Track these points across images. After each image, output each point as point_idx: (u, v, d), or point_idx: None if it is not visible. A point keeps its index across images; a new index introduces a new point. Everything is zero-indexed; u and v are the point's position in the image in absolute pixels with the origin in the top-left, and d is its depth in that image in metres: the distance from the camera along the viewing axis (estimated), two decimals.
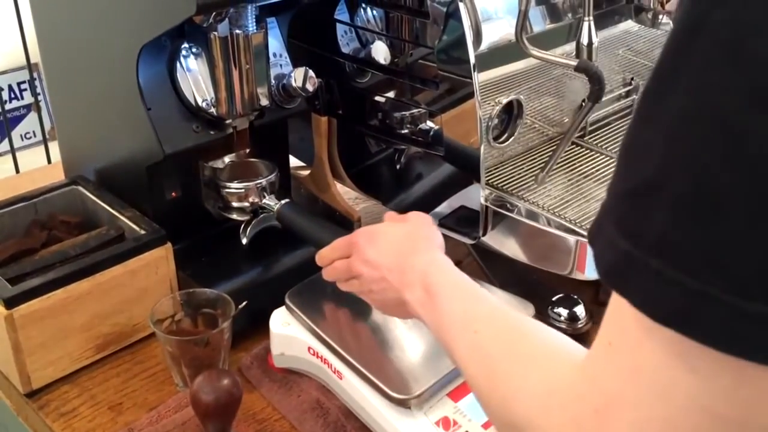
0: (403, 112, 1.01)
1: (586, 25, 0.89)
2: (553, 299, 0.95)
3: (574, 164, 1.00)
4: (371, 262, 0.76)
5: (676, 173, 0.36)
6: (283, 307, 0.91)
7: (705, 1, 0.36)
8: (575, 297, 0.95)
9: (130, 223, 0.97)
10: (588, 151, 1.03)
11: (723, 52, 0.35)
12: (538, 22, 0.96)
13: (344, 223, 1.08)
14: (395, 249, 0.75)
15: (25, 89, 2.57)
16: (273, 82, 0.99)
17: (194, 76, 0.94)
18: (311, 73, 0.98)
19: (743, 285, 0.35)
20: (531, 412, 0.48)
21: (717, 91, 0.35)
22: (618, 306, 0.40)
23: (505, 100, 0.91)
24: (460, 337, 0.60)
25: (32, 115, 2.56)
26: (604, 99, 0.88)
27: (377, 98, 1.04)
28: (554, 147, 0.97)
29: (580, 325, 0.94)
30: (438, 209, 1.00)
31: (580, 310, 0.94)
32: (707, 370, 0.37)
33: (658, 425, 0.39)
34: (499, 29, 0.91)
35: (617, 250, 0.39)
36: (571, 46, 0.93)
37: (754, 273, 0.35)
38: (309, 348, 0.87)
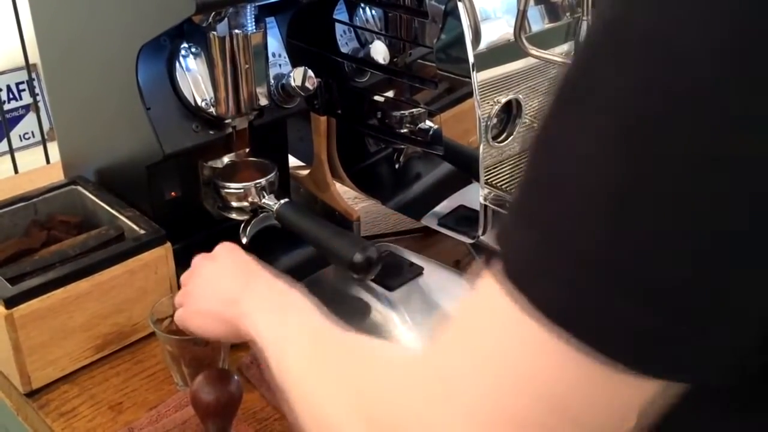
0: (402, 112, 1.01)
1: (584, 24, 0.89)
2: None
3: None
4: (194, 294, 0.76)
5: (586, 172, 0.36)
6: None
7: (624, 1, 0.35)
8: None
9: (130, 223, 0.97)
10: None
11: (637, 52, 0.34)
12: (537, 22, 0.96)
13: (343, 223, 1.08)
14: (216, 292, 0.74)
15: (24, 90, 2.57)
16: (272, 81, 0.99)
17: (193, 76, 0.94)
18: (310, 72, 0.98)
19: (638, 293, 0.34)
20: (354, 401, 0.46)
21: (632, 90, 0.34)
22: (486, 293, 0.39)
23: (504, 100, 0.92)
24: (285, 383, 0.57)
25: (31, 116, 2.56)
26: None
27: (376, 98, 1.04)
28: None
29: None
30: (437, 208, 1.00)
31: None
32: (575, 369, 0.36)
33: (498, 406, 0.38)
34: (497, 29, 0.91)
35: (522, 248, 0.38)
36: (569, 46, 0.93)
37: (648, 282, 0.34)
38: None
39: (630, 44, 0.35)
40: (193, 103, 0.94)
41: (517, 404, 0.38)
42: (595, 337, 0.36)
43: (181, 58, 0.94)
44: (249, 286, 0.71)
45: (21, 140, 2.54)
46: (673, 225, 0.34)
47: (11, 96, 2.56)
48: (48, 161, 1.94)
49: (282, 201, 0.98)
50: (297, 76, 0.98)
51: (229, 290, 0.72)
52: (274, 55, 1.02)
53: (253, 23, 0.92)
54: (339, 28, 1.05)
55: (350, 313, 0.89)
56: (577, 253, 0.36)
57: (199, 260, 0.80)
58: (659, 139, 0.34)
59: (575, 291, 0.36)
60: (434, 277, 0.94)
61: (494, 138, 0.94)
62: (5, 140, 2.15)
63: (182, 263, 0.97)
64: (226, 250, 0.79)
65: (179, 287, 0.95)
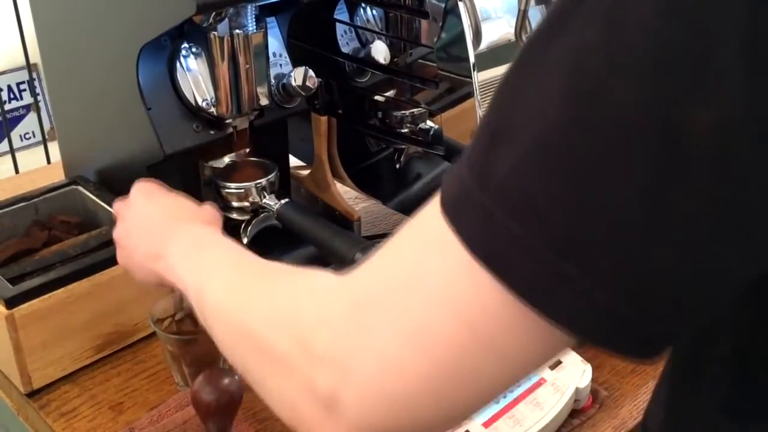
0: (403, 112, 1.01)
1: None
2: None
3: None
4: (127, 247, 0.75)
5: (530, 123, 0.37)
6: None
7: None
8: None
9: None
10: None
11: (598, 14, 0.35)
12: (538, 21, 0.96)
13: (344, 223, 1.08)
14: (170, 213, 0.74)
15: (25, 89, 2.57)
16: (273, 81, 0.99)
17: (194, 76, 0.94)
18: (311, 72, 0.98)
19: (559, 242, 0.36)
20: (275, 311, 0.46)
21: (584, 51, 0.35)
22: (426, 216, 0.40)
23: None
24: (216, 277, 0.58)
25: (32, 116, 2.56)
26: None
27: (377, 98, 1.04)
28: None
29: None
30: None
31: None
32: (490, 294, 0.37)
33: (414, 326, 0.39)
34: (498, 28, 0.91)
35: (462, 183, 0.39)
36: None
37: (569, 232, 0.35)
38: None
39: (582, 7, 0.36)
40: (193, 103, 0.94)
41: (439, 323, 0.38)
42: (505, 271, 0.37)
43: (181, 58, 0.94)
44: (171, 238, 0.69)
45: (22, 140, 2.55)
46: (594, 181, 0.35)
47: (12, 96, 2.56)
48: (49, 161, 1.94)
49: (282, 201, 0.98)
50: (298, 76, 0.98)
51: (153, 245, 0.71)
52: (274, 55, 1.02)
53: (254, 23, 0.92)
54: (340, 28, 1.05)
55: None
56: (498, 189, 0.37)
57: (123, 206, 0.78)
58: (597, 101, 0.35)
59: (492, 224, 0.37)
60: None
61: None
62: (6, 140, 2.15)
63: None
64: (142, 194, 0.77)
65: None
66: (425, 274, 0.39)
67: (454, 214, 0.39)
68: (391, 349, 0.38)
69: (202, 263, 0.62)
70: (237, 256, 0.61)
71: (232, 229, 1.02)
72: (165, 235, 0.70)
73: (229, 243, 0.65)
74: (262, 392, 0.47)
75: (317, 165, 1.11)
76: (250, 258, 0.59)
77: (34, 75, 2.30)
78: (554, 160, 0.36)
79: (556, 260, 0.36)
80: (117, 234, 0.78)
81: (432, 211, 0.40)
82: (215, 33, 0.91)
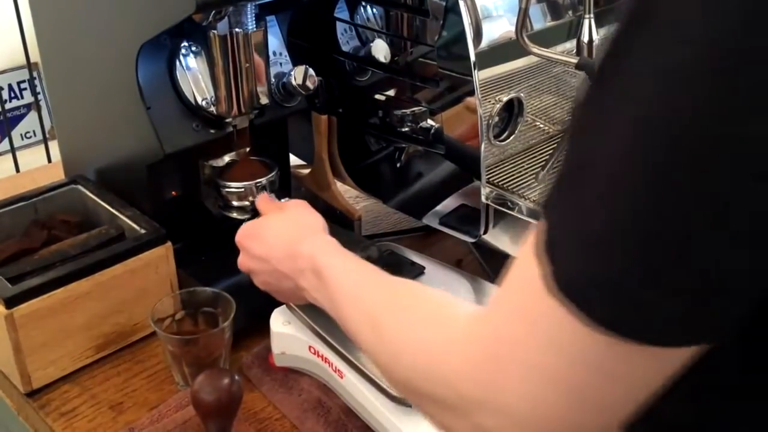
0: (404, 110, 1.01)
1: (586, 22, 0.89)
2: None
3: None
4: (260, 256, 0.79)
5: (604, 154, 0.38)
6: (284, 306, 0.91)
7: None
8: None
9: (130, 222, 0.97)
10: None
11: (660, 37, 0.36)
12: (539, 20, 0.95)
13: (345, 222, 1.08)
14: (282, 239, 0.77)
15: (25, 89, 2.56)
16: (273, 80, 0.99)
17: (194, 75, 0.94)
18: (311, 71, 0.98)
19: (640, 271, 0.38)
20: (425, 361, 0.49)
21: (646, 77, 0.37)
22: (526, 260, 0.42)
23: (505, 98, 0.91)
24: (351, 308, 0.63)
25: (32, 115, 2.56)
26: None
27: (377, 96, 1.04)
28: (555, 145, 0.97)
29: None
30: (439, 207, 1.00)
31: None
32: (596, 340, 0.40)
33: (547, 372, 0.41)
34: (499, 27, 0.91)
35: (552, 221, 0.41)
36: (571, 44, 0.93)
37: (649, 260, 0.37)
38: (310, 347, 0.87)
39: (650, 31, 0.37)
40: (193, 102, 0.94)
41: (566, 367, 0.41)
42: (588, 308, 0.39)
43: (181, 57, 0.93)
44: (308, 238, 0.75)
45: (22, 139, 2.54)
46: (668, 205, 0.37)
47: (12, 95, 2.56)
48: (49, 160, 1.93)
49: (283, 200, 0.98)
50: (298, 75, 0.97)
51: (291, 242, 0.75)
52: (274, 53, 1.02)
53: (254, 22, 0.92)
54: (340, 27, 1.05)
55: None
56: (585, 233, 0.39)
57: (245, 237, 0.82)
58: (670, 132, 0.36)
59: (575, 260, 0.40)
60: (436, 276, 0.94)
61: (496, 137, 0.94)
62: (6, 139, 2.15)
63: (183, 263, 0.97)
64: (298, 204, 0.84)
65: (180, 286, 0.95)
66: (537, 322, 0.42)
67: (547, 253, 0.41)
68: (536, 393, 0.42)
69: (357, 265, 0.68)
70: (372, 277, 0.66)
71: (232, 229, 1.01)
72: (290, 272, 0.74)
73: (351, 260, 0.70)
74: (436, 425, 0.50)
75: (317, 164, 1.11)
76: (377, 278, 0.65)
77: (35, 74, 2.30)
78: (626, 186, 0.37)
79: (635, 288, 0.38)
80: (247, 262, 0.81)
81: (533, 262, 0.42)
82: (215, 32, 0.91)
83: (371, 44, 1.03)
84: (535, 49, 0.87)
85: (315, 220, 0.80)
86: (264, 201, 0.88)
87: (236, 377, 0.77)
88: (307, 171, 1.15)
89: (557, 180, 0.42)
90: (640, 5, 0.37)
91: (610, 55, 0.39)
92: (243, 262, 0.82)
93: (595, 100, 0.40)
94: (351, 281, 0.66)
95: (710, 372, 0.46)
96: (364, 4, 1.03)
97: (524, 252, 0.43)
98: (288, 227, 0.79)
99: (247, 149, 1.03)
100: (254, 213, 1.00)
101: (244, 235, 0.82)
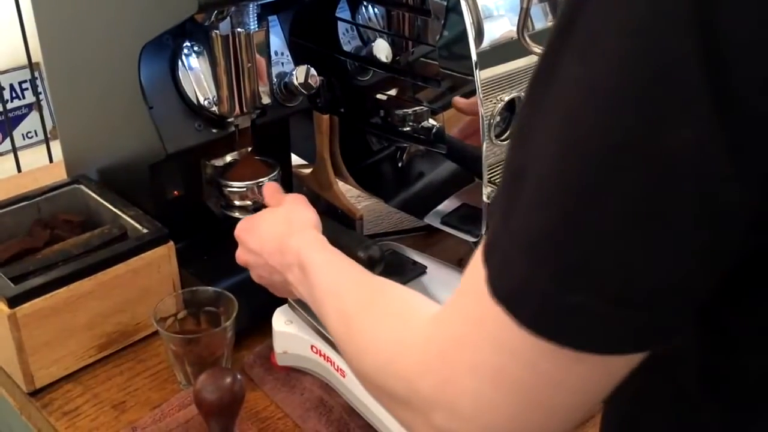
0: (405, 110, 1.01)
1: None
2: None
3: None
4: (254, 250, 0.80)
5: (535, 161, 0.39)
6: (286, 305, 0.91)
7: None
8: None
9: (133, 222, 0.97)
10: None
11: (580, 50, 0.37)
12: (540, 19, 0.95)
13: (346, 221, 1.08)
14: (273, 233, 0.79)
15: (27, 88, 2.57)
16: (275, 80, 0.99)
17: (196, 75, 0.94)
18: (313, 71, 0.98)
19: (565, 275, 0.38)
20: (386, 357, 0.51)
21: (570, 85, 0.37)
22: (476, 263, 0.43)
23: (507, 98, 0.91)
24: (327, 304, 0.64)
25: (34, 115, 2.56)
26: None
27: (379, 96, 1.04)
28: None
29: None
30: (440, 207, 1.00)
31: None
32: (529, 342, 0.40)
33: (491, 371, 0.42)
34: (500, 26, 0.91)
35: (493, 225, 0.42)
36: None
37: (574, 265, 0.38)
38: (312, 346, 0.87)
39: (572, 42, 0.38)
40: (195, 102, 0.94)
41: (509, 367, 0.42)
42: (516, 311, 0.40)
43: (183, 57, 0.93)
44: (297, 234, 0.76)
45: (24, 139, 2.54)
46: (590, 211, 0.37)
47: (14, 95, 2.56)
48: (51, 160, 1.93)
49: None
50: (299, 75, 0.97)
51: (281, 240, 0.77)
52: (276, 53, 1.02)
53: (256, 22, 0.92)
54: (341, 27, 1.05)
55: None
56: (516, 239, 0.40)
57: (243, 230, 0.84)
58: (583, 133, 0.37)
59: (508, 264, 0.40)
60: (437, 275, 0.94)
61: (497, 136, 0.94)
62: (8, 139, 2.15)
63: (185, 262, 0.97)
64: (295, 199, 0.85)
65: (182, 286, 0.95)
66: (483, 324, 0.42)
67: (485, 258, 0.42)
68: (482, 393, 0.43)
69: (339, 261, 0.70)
70: (349, 275, 0.67)
71: (233, 228, 1.01)
72: (280, 266, 0.76)
73: (333, 256, 0.72)
74: (399, 422, 0.52)
75: (319, 163, 1.11)
76: (354, 276, 0.66)
77: (36, 74, 2.30)
78: (553, 194, 0.38)
79: (559, 291, 0.38)
80: (243, 255, 0.82)
81: (481, 267, 0.43)
82: (217, 32, 0.91)
83: (373, 44, 1.03)
84: (537, 49, 0.87)
85: (308, 216, 0.81)
86: (269, 190, 0.89)
87: (238, 376, 0.78)
88: (308, 170, 1.15)
89: (499, 186, 0.43)
90: (565, 15, 0.38)
91: (542, 61, 0.40)
92: (240, 255, 0.83)
93: (529, 106, 0.41)
94: (329, 278, 0.67)
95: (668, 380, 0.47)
96: (365, 3, 1.03)
97: (476, 255, 0.44)
98: (281, 222, 0.80)
99: (249, 149, 1.03)
100: (256, 212, 1.00)
101: (241, 229, 0.84)
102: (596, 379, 0.42)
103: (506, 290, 0.41)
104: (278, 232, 0.78)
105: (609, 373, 0.42)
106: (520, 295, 0.40)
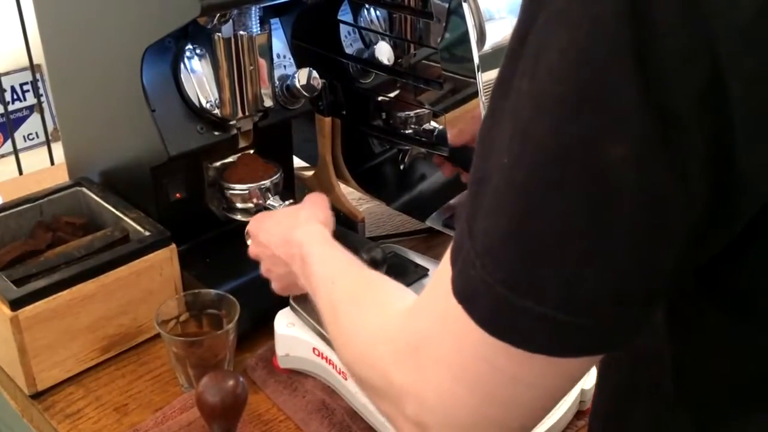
0: (407, 113, 1.01)
1: None
2: None
3: None
4: (262, 243, 0.82)
5: (493, 171, 0.41)
6: (288, 308, 0.91)
7: (531, 12, 0.39)
8: None
9: (135, 225, 0.97)
10: None
11: (529, 65, 0.38)
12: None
13: (348, 224, 1.08)
14: (280, 226, 0.81)
15: (28, 90, 2.57)
16: (277, 82, 0.99)
17: (198, 78, 0.94)
18: (315, 73, 0.98)
19: (513, 280, 0.40)
20: (364, 348, 0.53)
21: (522, 99, 0.39)
22: (446, 261, 0.45)
23: None
24: (322, 296, 0.66)
25: (35, 116, 2.56)
26: None
27: (381, 98, 1.04)
28: None
29: None
30: (442, 210, 1.00)
31: None
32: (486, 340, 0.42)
33: (453, 365, 0.44)
34: (502, 29, 0.91)
35: (459, 228, 0.44)
36: None
37: (521, 270, 0.39)
38: (314, 349, 0.87)
39: (525, 54, 0.39)
40: (197, 105, 0.94)
41: (470, 363, 0.43)
42: (472, 310, 0.42)
43: (185, 60, 0.94)
44: (302, 226, 0.78)
45: (25, 141, 2.55)
46: (535, 218, 0.39)
47: (15, 97, 2.57)
48: (52, 162, 1.94)
49: (286, 202, 0.98)
50: (302, 77, 0.97)
51: (286, 233, 0.78)
52: (278, 56, 1.02)
53: (258, 24, 0.92)
54: (343, 29, 1.05)
55: None
56: (477, 242, 0.41)
57: (255, 227, 0.86)
58: (531, 146, 0.38)
59: (468, 267, 0.42)
60: None
61: None
62: (9, 141, 2.16)
63: (187, 265, 0.97)
64: (310, 197, 0.87)
65: (184, 288, 0.95)
66: (447, 321, 0.44)
67: (452, 259, 0.44)
68: (446, 386, 0.44)
69: (334, 255, 0.71)
70: (358, 265, 0.68)
71: (236, 230, 1.02)
72: (285, 257, 0.77)
73: (330, 249, 0.73)
74: (376, 407, 0.54)
75: (321, 166, 1.11)
76: (345, 268, 0.68)
77: (38, 76, 2.31)
78: (504, 203, 0.40)
79: (509, 294, 0.40)
80: (254, 248, 0.84)
81: (448, 253, 0.45)
82: (219, 34, 0.91)
83: (375, 46, 1.03)
84: None
85: (315, 212, 0.82)
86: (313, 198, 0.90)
87: (241, 379, 0.78)
88: (310, 173, 1.15)
89: (466, 192, 0.44)
90: (518, 30, 0.40)
91: (499, 75, 0.41)
92: (251, 248, 0.85)
93: (490, 117, 0.42)
94: (324, 269, 0.69)
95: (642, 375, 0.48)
96: (367, 6, 1.03)
97: (446, 254, 0.45)
98: (289, 216, 0.82)
99: (251, 151, 1.03)
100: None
101: (251, 222, 0.86)
102: (551, 376, 0.43)
103: (465, 291, 0.42)
104: (285, 224, 0.80)
105: (563, 372, 0.43)
106: (476, 297, 0.41)
